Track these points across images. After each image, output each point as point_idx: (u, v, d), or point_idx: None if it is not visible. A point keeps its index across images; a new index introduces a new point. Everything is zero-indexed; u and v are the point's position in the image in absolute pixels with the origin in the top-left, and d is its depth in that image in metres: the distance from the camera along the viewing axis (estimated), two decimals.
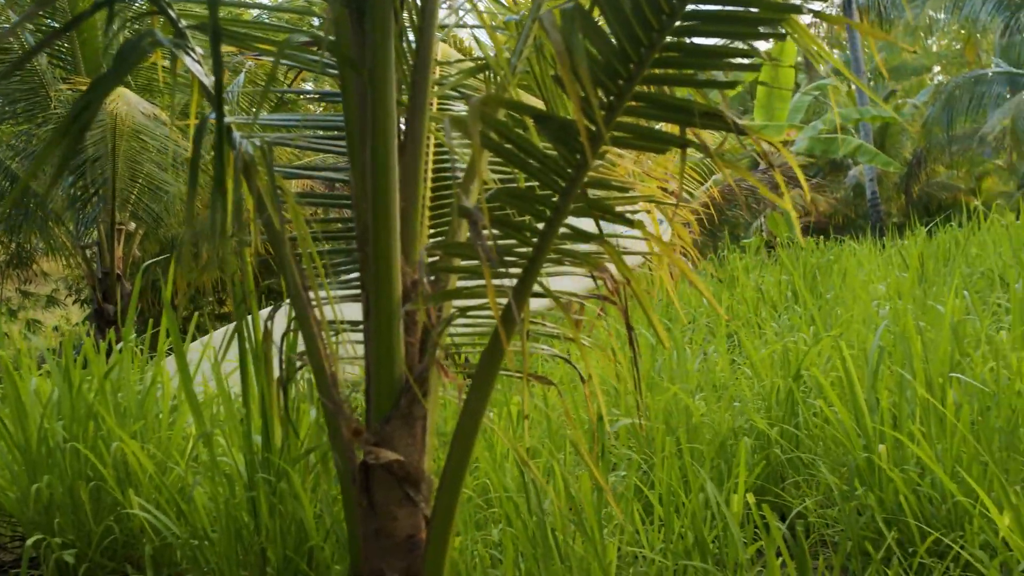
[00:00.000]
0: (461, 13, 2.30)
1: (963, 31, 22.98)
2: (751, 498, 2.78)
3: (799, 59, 34.15)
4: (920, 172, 24.89)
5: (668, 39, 1.67)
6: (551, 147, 1.70)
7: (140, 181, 12.03)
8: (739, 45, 1.94)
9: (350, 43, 1.78)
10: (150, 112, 11.11)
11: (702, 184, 13.95)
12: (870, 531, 2.99)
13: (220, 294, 18.53)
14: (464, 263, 1.81)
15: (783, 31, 1.81)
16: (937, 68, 32.87)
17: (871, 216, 21.90)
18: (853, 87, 24.14)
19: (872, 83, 30.47)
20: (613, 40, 1.59)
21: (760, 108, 19.29)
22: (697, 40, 1.77)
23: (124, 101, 10.76)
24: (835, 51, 32.20)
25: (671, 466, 3.15)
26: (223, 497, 3.06)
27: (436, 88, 2.30)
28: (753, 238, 16.55)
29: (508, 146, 1.56)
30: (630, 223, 1.84)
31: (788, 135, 17.24)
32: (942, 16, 20.99)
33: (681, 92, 1.90)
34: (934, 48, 32.25)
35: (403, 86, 1.92)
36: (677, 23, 1.67)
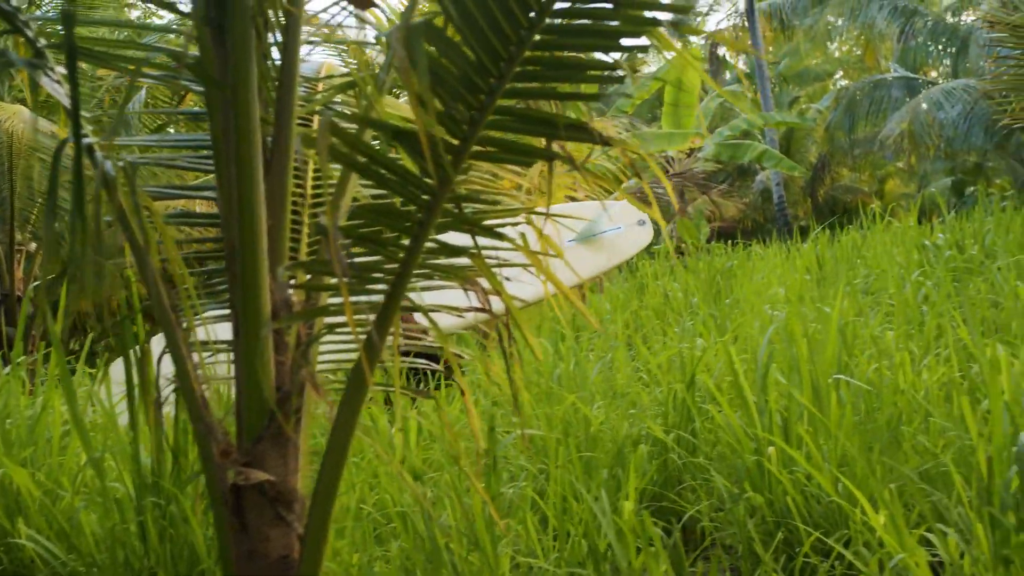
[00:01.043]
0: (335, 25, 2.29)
1: (863, 37, 23.47)
2: (630, 505, 2.82)
3: (707, 67, 34.67)
4: (824, 176, 25.41)
5: (529, 53, 1.69)
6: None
7: (40, 201, 11.74)
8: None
9: (212, 61, 1.76)
10: (48, 130, 10.86)
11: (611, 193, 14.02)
12: (761, 533, 3.04)
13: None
14: (327, 280, 1.80)
15: (646, 42, 1.83)
16: (840, 73, 33.55)
17: (778, 220, 22.29)
18: (758, 93, 24.55)
19: (777, 89, 31.02)
20: (471, 54, 1.60)
21: (667, 116, 19.49)
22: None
23: (20, 119, 10.51)
24: (741, 57, 32.71)
25: (564, 476, 3.17)
26: (112, 523, 3.01)
27: (305, 105, 2.29)
28: (662, 244, 16.73)
29: (364, 161, 1.55)
30: (499, 236, 1.86)
31: (693, 142, 17.46)
32: (841, 22, 21.37)
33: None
34: (836, 54, 32.91)
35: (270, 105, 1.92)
36: (537, 36, 1.68)
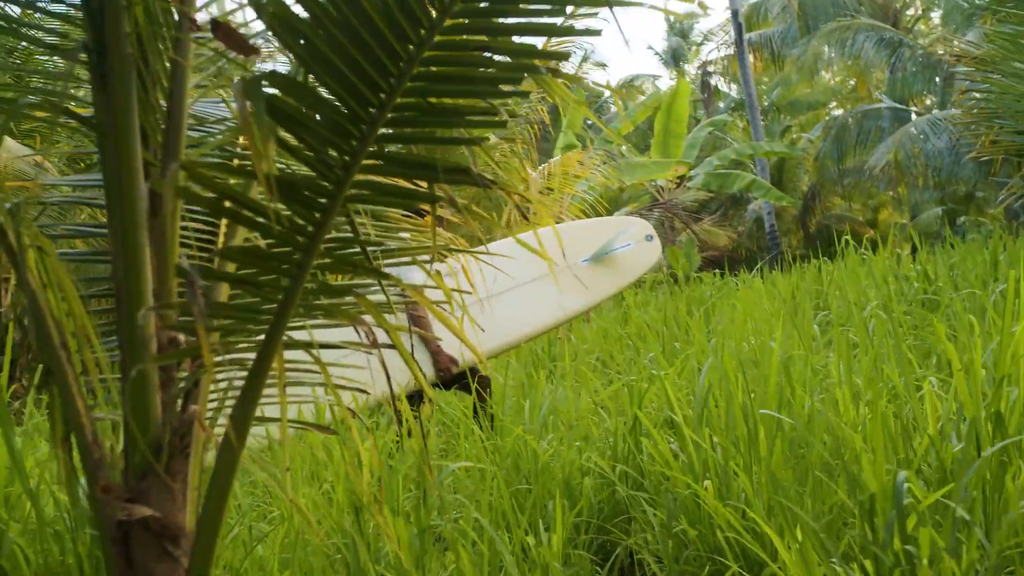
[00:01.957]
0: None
1: (855, 67, 23.62)
2: (557, 538, 2.85)
3: (705, 96, 34.88)
4: (815, 205, 25.50)
5: (401, 100, 1.74)
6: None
7: None
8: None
9: (97, 106, 1.81)
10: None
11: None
12: (694, 565, 3.07)
13: None
14: (220, 322, 1.85)
15: (522, 90, 1.89)
16: (834, 103, 33.69)
17: (770, 248, 22.36)
18: (749, 123, 24.68)
19: (769, 118, 31.18)
20: (337, 102, 1.65)
21: (657, 145, 19.64)
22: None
23: None
24: (732, 86, 32.94)
25: (496, 509, 3.20)
26: (46, 554, 3.03)
27: (196, 148, 2.34)
28: (657, 273, 16.79)
29: (230, 205, 1.60)
30: (384, 276, 1.90)
31: (677, 171, 17.57)
32: (833, 53, 21.52)
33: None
34: (832, 83, 33.05)
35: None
36: (409, 84, 1.73)
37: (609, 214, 14.50)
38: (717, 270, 14.53)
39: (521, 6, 1.76)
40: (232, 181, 1.94)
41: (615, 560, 3.28)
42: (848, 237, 8.58)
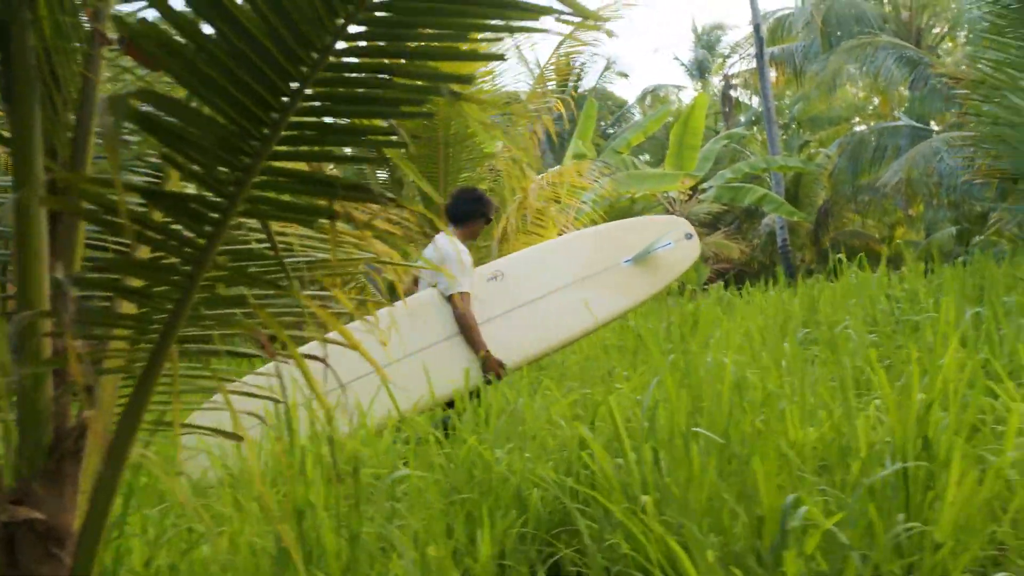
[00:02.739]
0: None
1: (877, 84, 23.54)
2: (486, 549, 2.88)
3: (726, 108, 34.88)
4: (829, 221, 25.42)
5: (296, 119, 1.78)
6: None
7: None
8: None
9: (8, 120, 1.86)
10: None
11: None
12: None
13: None
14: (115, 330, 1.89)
15: (425, 111, 1.93)
16: (857, 119, 33.58)
17: (783, 262, 22.32)
18: (766, 136, 24.64)
19: (791, 132, 31.14)
20: (224, 121, 1.69)
21: (671, 157, 19.68)
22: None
23: None
24: (754, 99, 32.90)
25: (437, 519, 3.24)
26: None
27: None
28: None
29: (109, 218, 1.64)
30: (282, 288, 1.95)
31: (684, 183, 17.59)
32: (853, 69, 21.45)
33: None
34: (856, 99, 32.94)
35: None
36: (303, 104, 1.77)
37: None
38: (725, 282, 14.55)
39: (419, 31, 1.80)
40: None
41: (554, 571, 3.31)
42: (842, 256, 8.58)
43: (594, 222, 10.72)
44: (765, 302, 9.20)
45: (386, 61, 1.83)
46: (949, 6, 25.55)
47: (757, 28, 23.23)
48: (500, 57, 2.32)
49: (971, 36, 21.73)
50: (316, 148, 1.86)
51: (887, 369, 4.93)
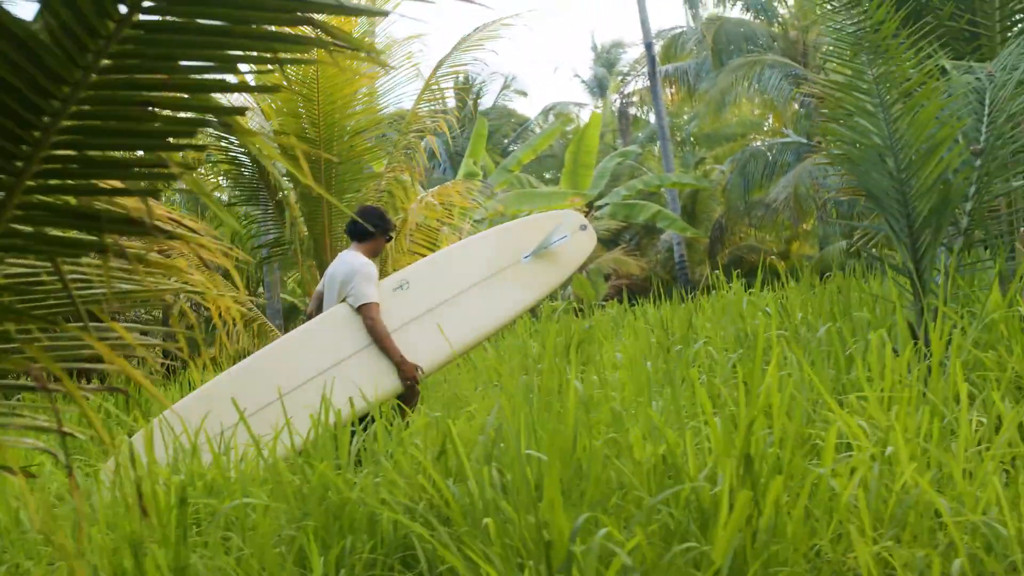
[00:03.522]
0: None
1: (768, 101, 24.02)
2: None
3: (621, 126, 35.27)
4: (723, 236, 25.80)
5: (49, 152, 1.75)
6: None
7: None
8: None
9: None
10: None
11: None
12: None
13: None
14: None
15: (198, 144, 1.91)
16: (753, 136, 34.16)
17: (679, 277, 22.62)
18: (659, 154, 24.97)
19: (687, 149, 31.60)
20: None
21: (567, 175, 19.87)
22: None
23: None
24: (652, 115, 33.23)
25: (268, 548, 3.21)
26: None
27: None
28: (559, 302, 16.87)
29: None
30: (54, 323, 1.91)
31: (573, 201, 17.76)
32: (739, 88, 21.84)
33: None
34: (753, 116, 33.49)
35: None
36: (59, 137, 1.75)
37: None
38: (621, 298, 14.69)
39: (182, 62, 1.79)
40: None
41: None
42: (714, 273, 8.73)
43: None
44: (653, 319, 9.30)
45: (145, 94, 1.81)
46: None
47: (649, 47, 23.56)
48: (273, 89, 2.32)
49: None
50: (80, 182, 1.84)
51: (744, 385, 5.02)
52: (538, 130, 34.21)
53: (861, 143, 5.29)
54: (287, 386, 5.18)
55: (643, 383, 4.76)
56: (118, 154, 1.92)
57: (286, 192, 10.11)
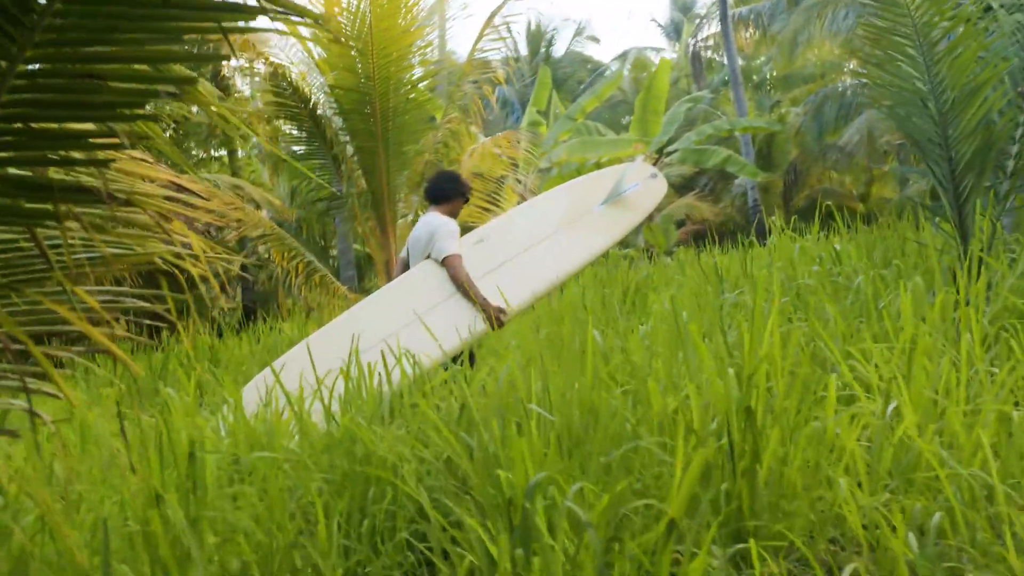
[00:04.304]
0: None
1: (844, 41, 23.41)
2: (322, 532, 2.92)
3: (694, 69, 34.70)
4: (796, 180, 25.33)
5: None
6: None
7: None
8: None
9: None
10: None
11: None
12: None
13: None
14: None
15: (152, 114, 1.95)
16: (834, 76, 33.36)
17: (753, 222, 22.32)
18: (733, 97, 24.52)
19: (760, 93, 31.01)
20: None
21: (636, 122, 19.64)
22: None
23: None
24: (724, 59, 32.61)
25: (278, 505, 3.28)
26: None
27: None
28: (630, 249, 16.82)
29: None
30: (17, 291, 1.98)
31: (636, 148, 17.55)
32: (821, 25, 21.29)
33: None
34: (835, 54, 32.66)
35: None
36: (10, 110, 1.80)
37: None
38: (696, 243, 14.59)
39: (117, 34, 1.82)
40: None
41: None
42: (775, 218, 8.59)
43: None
44: (706, 266, 9.21)
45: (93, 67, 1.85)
46: None
47: None
48: (224, 57, 2.34)
49: None
50: (27, 153, 1.89)
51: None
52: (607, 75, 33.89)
53: (900, 87, 5.16)
54: (381, 334, 5.51)
55: (672, 335, 4.75)
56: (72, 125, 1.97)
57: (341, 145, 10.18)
